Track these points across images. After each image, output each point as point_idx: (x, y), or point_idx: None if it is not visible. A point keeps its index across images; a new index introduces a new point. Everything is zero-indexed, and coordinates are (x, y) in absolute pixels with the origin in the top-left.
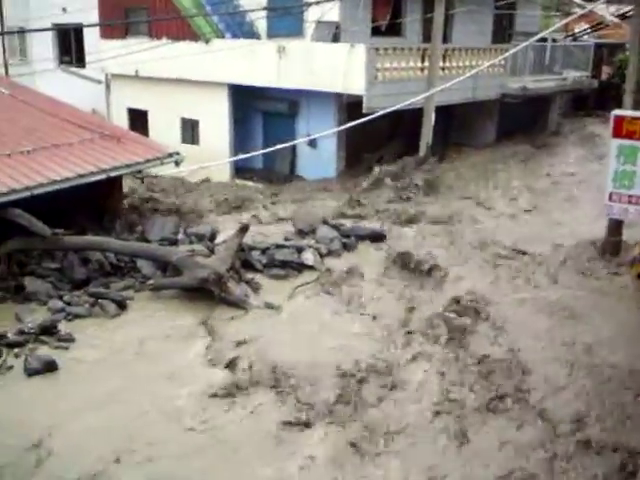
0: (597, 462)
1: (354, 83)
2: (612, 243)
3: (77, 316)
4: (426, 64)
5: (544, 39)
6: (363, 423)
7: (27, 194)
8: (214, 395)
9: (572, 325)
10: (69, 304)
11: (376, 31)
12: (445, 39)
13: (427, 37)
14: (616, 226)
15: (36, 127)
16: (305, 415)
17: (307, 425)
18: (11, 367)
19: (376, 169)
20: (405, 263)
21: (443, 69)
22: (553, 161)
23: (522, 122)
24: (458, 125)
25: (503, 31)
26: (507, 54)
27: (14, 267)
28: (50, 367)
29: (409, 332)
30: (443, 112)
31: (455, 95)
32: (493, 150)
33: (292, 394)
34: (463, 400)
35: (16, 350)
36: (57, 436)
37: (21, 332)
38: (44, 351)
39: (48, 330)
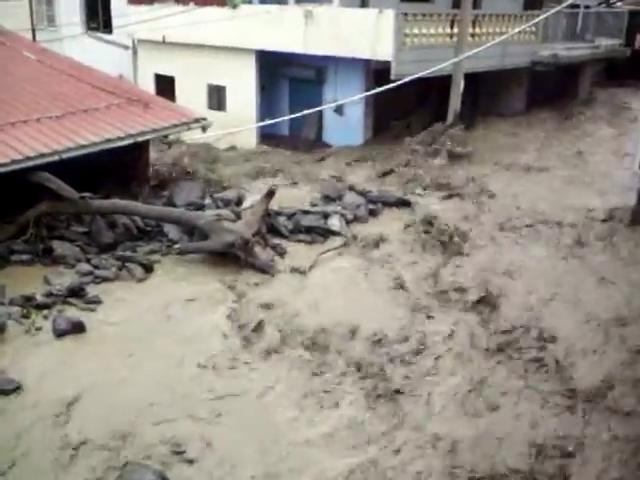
0: None
1: (382, 49)
2: None
3: (104, 279)
4: (455, 30)
5: (576, 5)
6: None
7: (56, 158)
8: (239, 356)
9: (599, 292)
10: (97, 267)
11: None
12: (475, 5)
13: (456, 3)
14: None
15: (64, 92)
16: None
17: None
18: (40, 328)
19: (407, 139)
20: (431, 230)
21: (472, 36)
22: (583, 131)
23: (552, 91)
24: (487, 93)
25: None
26: (537, 19)
27: (43, 230)
28: (78, 328)
29: (434, 297)
30: (472, 80)
31: (484, 62)
32: (522, 119)
33: (319, 356)
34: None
35: (44, 312)
36: (84, 397)
37: (49, 294)
38: (72, 313)
39: (76, 293)
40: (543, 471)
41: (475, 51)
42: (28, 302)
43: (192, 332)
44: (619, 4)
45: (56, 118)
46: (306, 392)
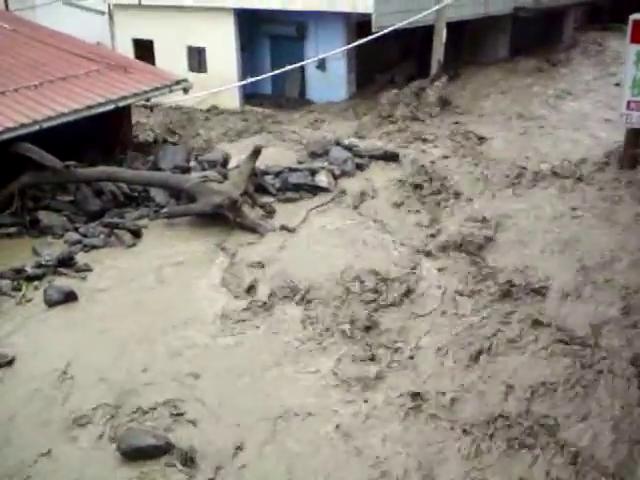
0: None
1: (362, 1)
2: (630, 156)
3: (93, 247)
4: None
5: None
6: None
7: (36, 128)
8: (235, 314)
9: (587, 237)
10: (85, 236)
11: None
12: None
13: None
14: (634, 137)
15: (41, 61)
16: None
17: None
18: (31, 300)
19: (390, 90)
20: (419, 182)
21: None
22: (568, 76)
23: (536, 37)
24: (470, 42)
25: None
26: None
27: (28, 202)
28: (70, 297)
29: (424, 250)
30: (455, 29)
31: (466, 10)
32: (506, 66)
33: (313, 309)
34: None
35: (35, 283)
36: (78, 365)
37: (39, 265)
38: (63, 282)
39: (66, 262)
40: None
41: None
42: (18, 274)
43: (184, 295)
44: None
45: (34, 87)
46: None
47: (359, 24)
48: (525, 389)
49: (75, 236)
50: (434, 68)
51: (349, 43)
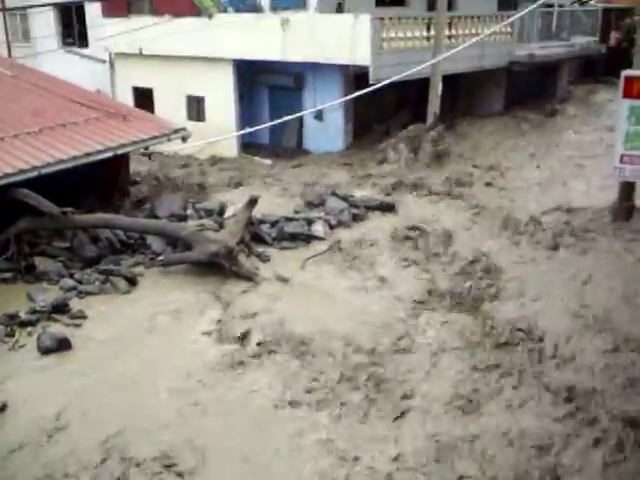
0: None
1: (360, 54)
2: (624, 207)
3: (88, 294)
4: (431, 33)
5: (551, 5)
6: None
7: (35, 174)
8: (227, 366)
9: (580, 286)
10: (80, 282)
11: (380, 1)
12: (450, 7)
13: (432, 6)
14: (628, 190)
15: (42, 108)
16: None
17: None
18: (24, 346)
19: (386, 141)
20: (415, 232)
21: (449, 37)
22: (562, 129)
23: (531, 90)
24: (466, 94)
25: None
26: (512, 19)
27: (24, 247)
28: (63, 344)
29: (419, 301)
30: (450, 82)
31: (462, 64)
32: (501, 119)
33: (305, 363)
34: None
35: (29, 329)
36: (71, 412)
37: (33, 311)
38: (56, 329)
39: (60, 308)
40: None
41: (451, 52)
42: (12, 320)
43: (179, 344)
44: (592, 2)
45: (34, 134)
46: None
47: (356, 76)
48: None
49: (70, 282)
50: (430, 119)
51: (346, 94)
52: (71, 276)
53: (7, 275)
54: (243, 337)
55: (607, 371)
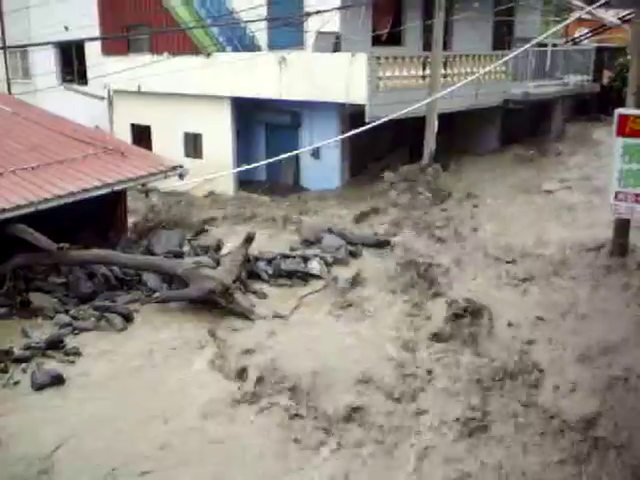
0: None
1: (356, 92)
2: (619, 244)
3: (84, 330)
4: (427, 72)
5: (544, 44)
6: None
7: (32, 209)
8: (223, 404)
9: (575, 325)
10: (75, 318)
11: (377, 40)
12: (445, 46)
13: (427, 45)
14: (623, 227)
15: (40, 144)
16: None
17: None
18: (18, 382)
19: (385, 174)
20: (411, 270)
21: (445, 76)
22: (557, 166)
23: (525, 128)
24: (461, 132)
25: (503, 37)
26: (507, 58)
27: (20, 283)
28: (57, 381)
29: (414, 341)
30: (446, 120)
31: (457, 102)
32: (496, 156)
33: (301, 403)
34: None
35: (23, 365)
36: (64, 450)
37: (28, 347)
38: (51, 365)
39: (55, 344)
40: None
41: (447, 91)
42: (6, 356)
43: (174, 382)
44: (585, 42)
45: (32, 169)
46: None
47: (353, 114)
48: None
49: (65, 318)
50: (426, 158)
51: (343, 132)
52: (66, 312)
53: (2, 310)
54: (240, 375)
55: None
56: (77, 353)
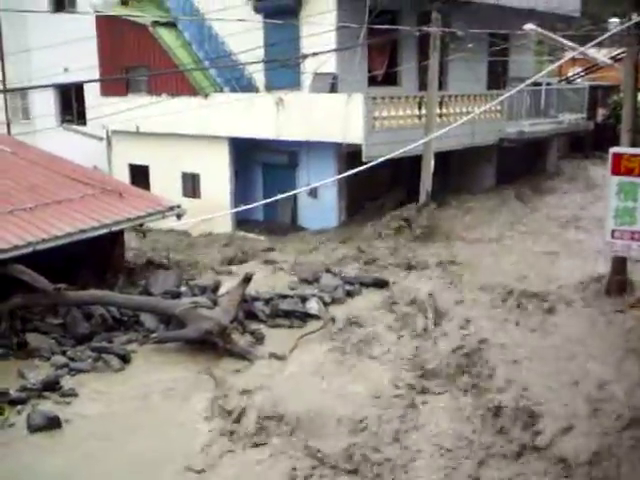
0: None
1: (353, 132)
2: (617, 282)
3: (80, 371)
4: (423, 111)
5: (538, 83)
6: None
7: (29, 250)
8: (221, 447)
9: (572, 363)
10: (72, 359)
11: (373, 81)
12: (441, 86)
13: (423, 85)
14: (620, 264)
15: (38, 184)
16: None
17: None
18: (13, 424)
19: (380, 218)
20: (408, 309)
21: (440, 116)
22: (552, 204)
23: (521, 165)
24: (458, 171)
25: (498, 77)
26: (502, 97)
27: (17, 323)
28: (53, 423)
29: (412, 383)
30: (442, 158)
31: (453, 141)
32: (493, 194)
33: (300, 445)
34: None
35: (19, 407)
36: None
37: (24, 389)
38: (47, 407)
39: (51, 386)
40: None
41: (443, 131)
42: (1, 397)
43: (171, 424)
44: (579, 80)
45: (30, 210)
46: None
47: (349, 153)
48: None
49: (62, 359)
50: (422, 197)
51: (340, 171)
52: (63, 353)
53: None
54: (238, 418)
55: None
56: (73, 394)
